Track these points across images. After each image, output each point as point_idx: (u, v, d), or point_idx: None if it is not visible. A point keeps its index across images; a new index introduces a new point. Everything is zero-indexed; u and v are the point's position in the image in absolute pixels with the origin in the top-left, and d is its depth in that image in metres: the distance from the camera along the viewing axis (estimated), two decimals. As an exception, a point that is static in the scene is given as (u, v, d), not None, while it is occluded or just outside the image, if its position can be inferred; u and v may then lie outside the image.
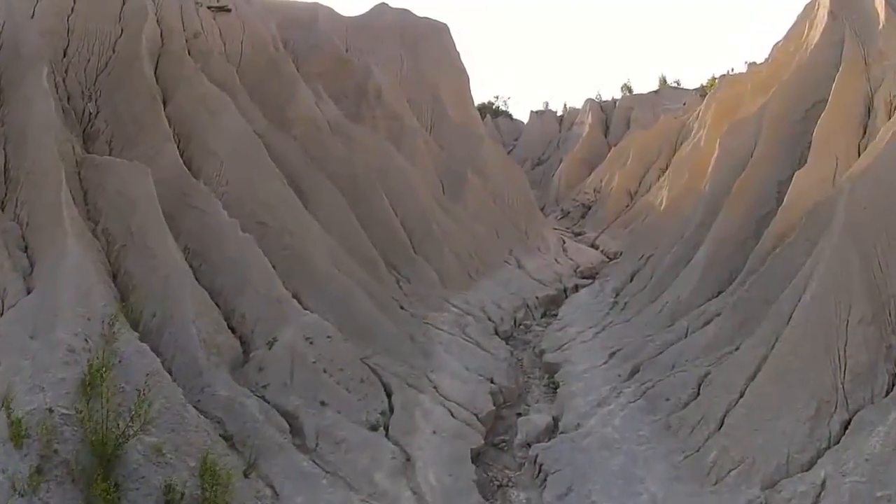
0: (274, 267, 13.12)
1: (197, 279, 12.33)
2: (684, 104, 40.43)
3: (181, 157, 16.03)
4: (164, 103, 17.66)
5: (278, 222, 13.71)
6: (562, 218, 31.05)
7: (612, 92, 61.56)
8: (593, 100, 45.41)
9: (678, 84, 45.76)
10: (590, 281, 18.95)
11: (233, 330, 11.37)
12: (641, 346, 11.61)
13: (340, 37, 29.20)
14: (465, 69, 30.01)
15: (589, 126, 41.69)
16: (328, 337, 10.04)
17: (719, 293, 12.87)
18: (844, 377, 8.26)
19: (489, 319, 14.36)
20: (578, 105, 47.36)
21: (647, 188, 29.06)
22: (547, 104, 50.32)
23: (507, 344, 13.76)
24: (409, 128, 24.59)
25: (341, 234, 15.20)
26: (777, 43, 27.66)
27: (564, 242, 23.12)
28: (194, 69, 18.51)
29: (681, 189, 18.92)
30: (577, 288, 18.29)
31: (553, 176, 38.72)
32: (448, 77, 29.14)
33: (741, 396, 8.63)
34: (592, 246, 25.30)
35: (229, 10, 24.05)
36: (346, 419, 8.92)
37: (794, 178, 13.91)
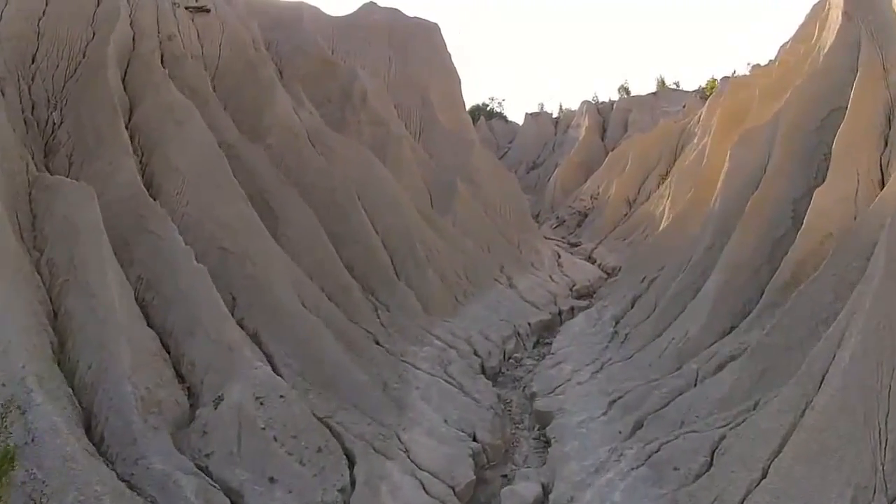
0: (234, 298, 11.74)
1: (148, 316, 10.96)
2: (684, 107, 39.08)
3: (143, 172, 14.67)
4: (131, 112, 16.31)
5: (240, 248, 12.29)
6: (557, 226, 29.68)
7: (608, 93, 60.10)
8: (590, 102, 44.04)
9: (677, 85, 44.41)
10: (586, 302, 17.56)
11: (182, 378, 9.99)
12: (645, 395, 10.22)
13: (326, 37, 27.81)
14: (455, 71, 28.62)
15: (585, 129, 40.31)
16: (281, 396, 8.62)
17: (731, 329, 11.50)
18: (885, 456, 6.89)
19: (475, 354, 12.94)
20: (574, 106, 46.01)
21: (647, 196, 27.70)
22: (542, 106, 48.92)
23: (494, 383, 12.34)
24: (396, 135, 23.16)
25: (313, 259, 13.78)
26: (784, 44, 26.31)
27: (559, 257, 21.71)
28: (162, 75, 17.14)
29: (686, 204, 17.51)
30: (573, 311, 16.89)
31: (549, 181, 37.33)
32: (438, 79, 27.74)
33: (764, 476, 7.24)
34: (589, 259, 23.90)
35: (208, 11, 22.68)
36: (299, 499, 7.51)
37: (813, 198, 12.54)
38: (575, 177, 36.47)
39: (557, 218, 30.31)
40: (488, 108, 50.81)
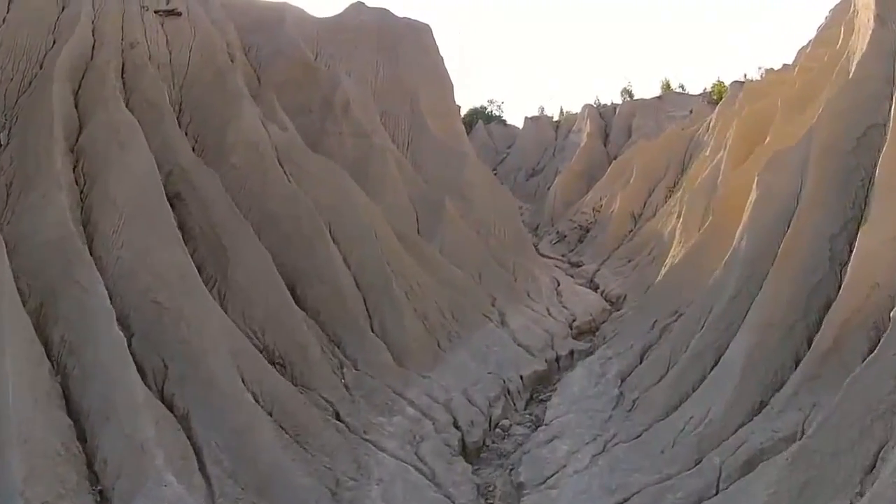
0: (166, 367, 9.74)
1: (68, 389, 9.01)
2: (691, 112, 36.98)
3: (83, 205, 12.73)
4: (80, 132, 14.39)
5: (175, 304, 10.27)
6: (557, 242, 27.62)
7: (611, 95, 57.92)
8: (592, 105, 41.91)
9: (683, 89, 42.27)
10: (588, 343, 15.51)
11: (96, 477, 8.01)
12: (657, 499, 8.20)
13: (310, 40, 25.73)
14: (448, 75, 26.52)
15: (587, 135, 38.20)
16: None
17: (761, 405, 9.49)
18: None
19: (455, 426, 10.89)
20: (575, 109, 43.91)
21: (653, 211, 25.63)
22: (542, 109, 46.85)
23: (476, 462, 10.33)
24: (379, 147, 21.14)
25: (266, 309, 11.77)
26: (804, 48, 24.22)
27: (558, 284, 19.66)
28: (114, 90, 15.27)
29: (703, 234, 15.41)
30: (572, 355, 14.84)
31: (548, 190, 35.24)
32: (429, 85, 25.68)
33: None
34: (591, 283, 21.84)
35: (179, 14, 20.69)
36: None
37: (858, 240, 10.52)
38: (576, 186, 34.38)
39: (558, 233, 28.26)
40: (487, 112, 48.76)
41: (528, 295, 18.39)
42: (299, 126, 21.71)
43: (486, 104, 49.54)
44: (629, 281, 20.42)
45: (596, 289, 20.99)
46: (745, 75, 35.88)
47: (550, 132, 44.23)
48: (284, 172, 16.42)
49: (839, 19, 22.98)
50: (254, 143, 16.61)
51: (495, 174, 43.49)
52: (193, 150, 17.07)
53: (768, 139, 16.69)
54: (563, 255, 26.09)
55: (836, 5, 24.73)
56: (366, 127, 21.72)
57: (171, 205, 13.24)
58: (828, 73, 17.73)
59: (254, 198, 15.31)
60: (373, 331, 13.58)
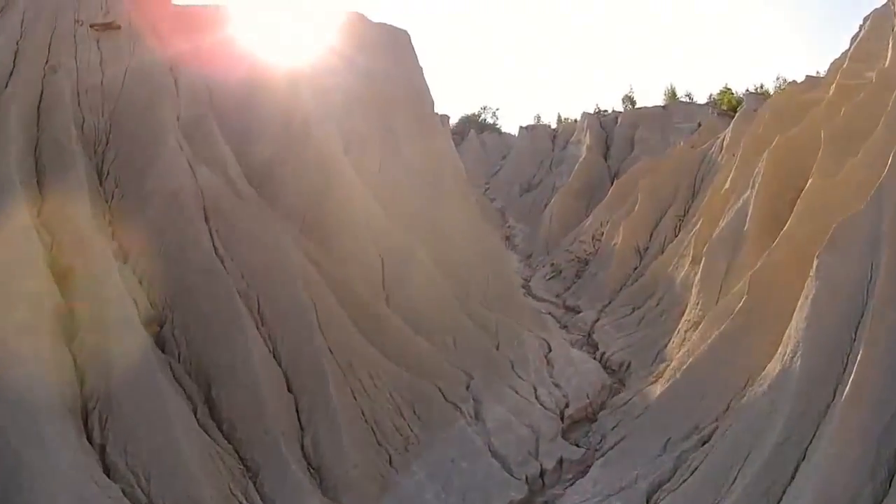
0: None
1: None
2: (699, 125, 33.42)
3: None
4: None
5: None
6: (552, 277, 24.14)
7: (612, 102, 54.30)
8: (591, 114, 38.38)
9: (690, 98, 38.64)
10: (582, 450, 11.99)
11: None
12: None
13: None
14: (427, 89, 23.00)
15: (587, 148, 34.71)
16: None
17: None
18: None
19: None
20: (574, 115, 40.39)
21: (661, 244, 22.14)
22: (539, 118, 43.34)
23: None
24: (341, 181, 17.68)
25: (151, 446, 8.34)
26: (838, 61, 20.67)
27: (550, 349, 16.17)
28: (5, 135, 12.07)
29: (735, 322, 11.83)
30: (560, 465, 11.41)
31: (544, 209, 31.73)
32: (406, 100, 22.20)
33: None
34: (589, 339, 18.36)
35: (118, 28, 17.30)
36: None
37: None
38: (574, 207, 30.91)
39: (552, 265, 24.78)
40: (480, 119, 45.23)
41: (513, 367, 14.91)
42: (251, 153, 18.38)
43: (479, 111, 46.08)
44: (634, 341, 16.93)
45: (594, 349, 17.49)
46: (762, 86, 32.33)
47: (547, 143, 40.71)
48: (209, 229, 13.00)
49: (881, 30, 19.45)
50: (173, 192, 13.16)
51: (487, 188, 40.30)
52: (112, 197, 13.81)
53: (811, 183, 13.20)
54: (557, 296, 22.60)
55: (873, 13, 21.20)
56: (326, 154, 18.32)
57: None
58: (879, 98, 14.28)
59: (165, 271, 11.95)
60: (303, 450, 10.19)
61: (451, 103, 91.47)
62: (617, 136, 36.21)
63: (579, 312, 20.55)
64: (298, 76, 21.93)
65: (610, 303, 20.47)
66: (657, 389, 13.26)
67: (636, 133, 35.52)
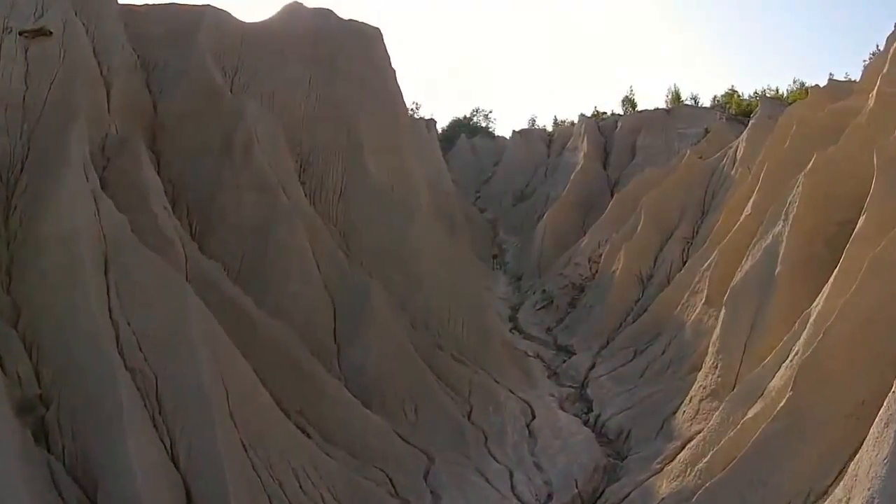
0: None
1: None
2: (706, 131, 30.14)
3: None
4: None
5: None
6: (542, 307, 20.94)
7: (611, 104, 50.87)
8: (589, 118, 35.10)
9: (695, 101, 35.29)
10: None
11: None
12: None
13: (230, 52, 19.05)
14: (400, 95, 19.81)
15: (584, 156, 31.43)
16: None
17: None
18: None
19: None
20: (571, 117, 37.12)
21: (667, 274, 18.92)
22: (533, 121, 40.04)
23: None
24: (286, 209, 14.54)
25: None
26: (874, 66, 17.31)
27: (533, 416, 12.98)
28: None
29: (776, 426, 8.57)
30: None
31: (537, 224, 28.47)
32: (375, 109, 19.00)
33: None
34: (581, 394, 15.18)
35: (49, 34, 14.30)
36: None
37: None
38: (570, 222, 27.67)
39: (544, 292, 21.57)
40: (472, 122, 41.95)
41: (486, 442, 11.75)
42: (187, 179, 15.34)
43: (471, 114, 42.78)
44: (636, 400, 13.74)
45: (588, 408, 14.32)
46: (777, 90, 28.99)
47: (542, 148, 37.45)
48: (107, 285, 9.88)
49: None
50: (67, 235, 10.11)
51: (478, 197, 37.03)
52: (14, 239, 10.77)
53: (862, 225, 10.03)
54: (548, 330, 19.39)
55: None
56: (271, 177, 15.13)
57: None
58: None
59: (51, 339, 8.89)
60: None
61: (442, 106, 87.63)
62: (617, 142, 32.95)
63: (572, 354, 17.35)
64: (259, 84, 18.78)
65: (608, 343, 17.26)
66: (662, 486, 10.11)
67: (637, 139, 32.23)
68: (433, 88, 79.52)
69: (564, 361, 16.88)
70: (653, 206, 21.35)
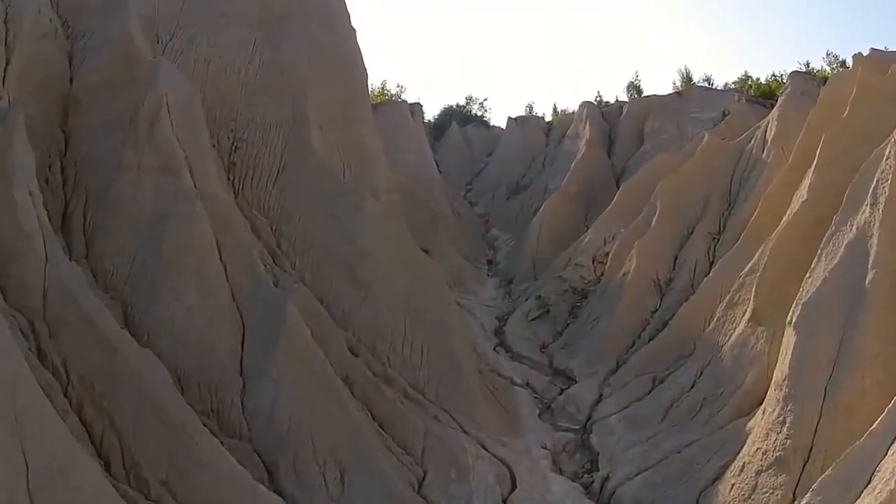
0: None
1: None
2: (724, 114, 25.85)
3: None
4: None
5: None
6: (536, 317, 16.73)
7: (614, 93, 46.40)
8: (591, 103, 30.84)
9: (709, 83, 30.93)
10: None
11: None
12: None
13: (169, 17, 15.06)
14: (361, 64, 15.62)
15: (586, 142, 27.21)
16: None
17: None
18: None
19: None
20: (572, 107, 32.83)
21: (690, 277, 14.75)
22: (531, 108, 35.76)
23: None
24: (186, 194, 10.46)
25: None
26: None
27: (512, 488, 8.84)
28: None
29: None
30: None
31: (533, 218, 24.27)
32: (328, 78, 14.84)
33: None
34: (584, 435, 11.00)
35: None
36: None
37: None
38: (570, 215, 23.51)
39: (539, 299, 17.36)
40: (465, 111, 37.78)
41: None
42: (102, 154, 11.48)
43: (464, 102, 38.59)
44: (657, 457, 9.52)
45: (592, 463, 10.13)
46: (808, 64, 24.69)
47: (540, 137, 33.20)
48: None
49: None
50: None
51: (469, 190, 32.91)
52: None
53: None
54: (543, 348, 15.18)
55: None
56: (177, 155, 11.04)
57: None
58: None
59: None
60: None
61: (436, 94, 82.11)
62: (622, 129, 28.71)
63: (572, 381, 13.16)
64: (181, 48, 14.78)
65: (618, 367, 13.07)
66: None
67: (645, 124, 27.95)
68: (428, 76, 74.59)
69: (562, 392, 12.67)
70: (669, 195, 17.16)
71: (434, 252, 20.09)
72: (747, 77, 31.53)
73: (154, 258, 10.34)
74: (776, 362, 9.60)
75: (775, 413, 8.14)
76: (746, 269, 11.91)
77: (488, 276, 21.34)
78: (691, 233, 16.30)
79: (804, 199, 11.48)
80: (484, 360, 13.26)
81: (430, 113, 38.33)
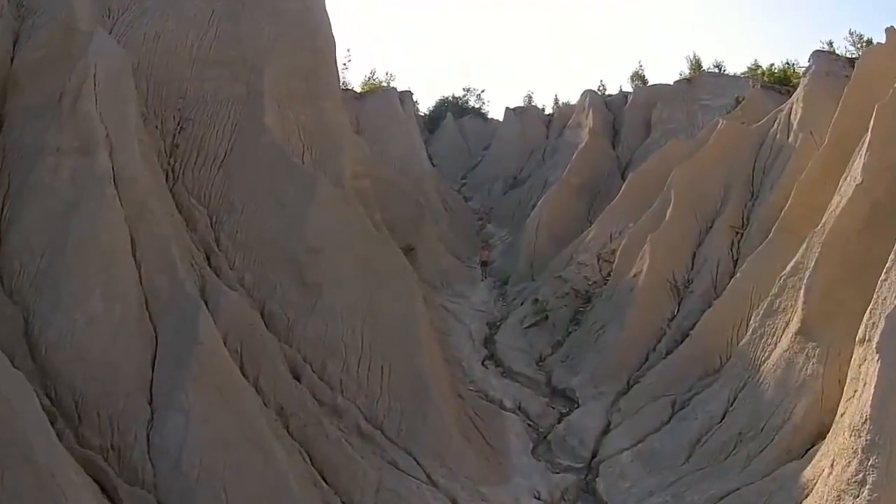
0: None
1: None
2: (738, 100, 23.44)
3: None
4: None
5: None
6: (532, 324, 14.37)
7: (618, 84, 43.86)
8: (594, 91, 28.44)
9: (720, 69, 28.45)
10: None
11: None
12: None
13: None
14: (328, 26, 13.26)
15: (589, 132, 24.80)
16: None
17: None
18: None
19: None
20: (574, 99, 30.39)
21: (713, 278, 12.43)
22: (530, 98, 33.36)
23: None
24: (98, 178, 8.23)
25: None
26: None
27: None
28: None
29: None
30: None
31: (531, 213, 21.90)
32: (288, 43, 12.56)
33: None
34: (588, 477, 8.69)
35: None
36: None
37: None
38: (572, 209, 21.16)
39: (536, 302, 15.02)
40: (461, 103, 35.42)
41: None
42: (30, 137, 9.33)
43: (461, 93, 36.20)
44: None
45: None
46: (831, 43, 22.24)
47: (540, 128, 30.80)
48: None
49: None
50: None
51: (464, 184, 30.57)
52: None
53: None
54: (540, 362, 12.80)
55: None
56: (96, 133, 8.79)
57: None
58: None
59: None
60: None
61: (432, 90, 78.62)
62: (628, 118, 26.30)
63: (574, 403, 10.83)
64: (131, 23, 12.62)
65: (629, 387, 10.74)
66: None
67: (653, 113, 25.53)
68: (425, 72, 71.50)
69: (561, 418, 10.33)
70: (685, 184, 14.83)
71: (420, 249, 17.82)
72: (757, 66, 29.15)
73: (59, 256, 8.15)
74: (833, 389, 7.33)
75: (852, 468, 5.82)
76: (788, 269, 9.58)
77: (484, 278, 18.96)
78: (710, 227, 13.98)
79: (859, 181, 9.14)
80: (469, 377, 10.97)
81: (426, 105, 36.03)
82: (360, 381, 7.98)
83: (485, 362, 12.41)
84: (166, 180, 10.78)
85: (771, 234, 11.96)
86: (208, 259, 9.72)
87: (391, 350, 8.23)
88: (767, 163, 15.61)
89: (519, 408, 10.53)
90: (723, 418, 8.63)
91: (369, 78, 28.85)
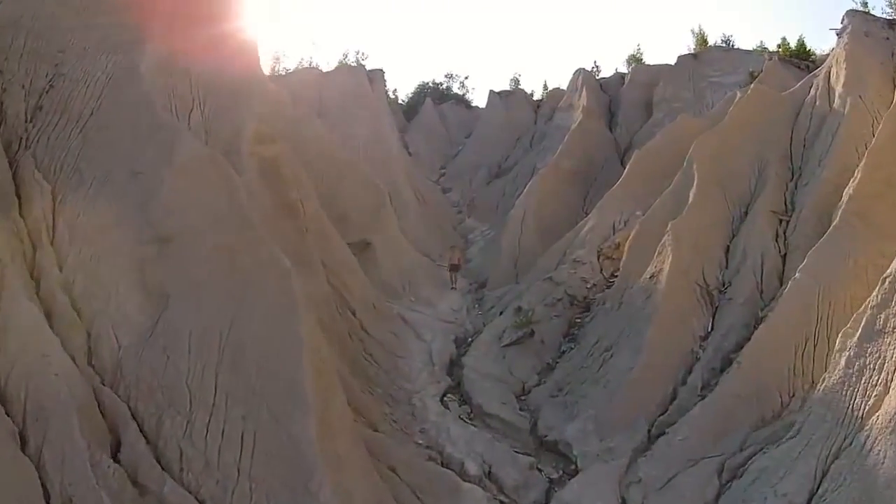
0: None
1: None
2: (753, 74, 20.17)
3: None
4: None
5: None
6: (512, 342, 10.94)
7: (614, 66, 40.18)
8: (587, 70, 25.10)
9: (728, 43, 25.18)
10: None
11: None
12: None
13: None
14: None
15: (583, 111, 21.57)
16: None
17: None
18: None
19: None
20: (565, 84, 26.96)
21: (757, 280, 9.15)
22: (517, 81, 29.84)
23: None
24: None
25: None
26: None
27: None
28: None
29: None
30: None
31: (514, 203, 18.49)
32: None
33: None
34: None
35: None
36: None
37: None
38: (564, 198, 17.87)
39: (519, 312, 11.63)
40: (443, 88, 31.96)
41: None
42: None
43: (443, 79, 32.73)
44: None
45: None
46: (866, 3, 19.00)
47: (528, 113, 27.47)
48: None
49: None
50: None
51: (443, 174, 27.05)
52: None
53: None
54: (522, 396, 9.34)
55: None
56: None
57: None
58: None
59: None
60: None
61: (411, 70, 73.90)
62: (625, 98, 23.08)
63: (571, 465, 7.42)
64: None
65: (652, 440, 7.36)
66: None
67: (654, 92, 22.27)
68: (405, 53, 67.50)
69: (551, 492, 6.91)
70: (709, 159, 11.50)
71: (378, 245, 14.46)
72: (764, 49, 25.96)
73: None
74: None
75: None
76: (890, 274, 6.24)
77: (452, 287, 15.33)
78: (745, 213, 10.67)
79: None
80: (419, 424, 7.57)
81: (405, 93, 32.64)
82: (207, 455, 4.60)
83: (445, 398, 8.94)
84: (17, 150, 7.51)
85: (836, 220, 8.72)
86: (35, 255, 6.36)
87: (258, 404, 4.84)
88: (808, 135, 12.37)
89: (488, 475, 7.08)
90: (809, 501, 5.28)
91: (342, 61, 25.51)
